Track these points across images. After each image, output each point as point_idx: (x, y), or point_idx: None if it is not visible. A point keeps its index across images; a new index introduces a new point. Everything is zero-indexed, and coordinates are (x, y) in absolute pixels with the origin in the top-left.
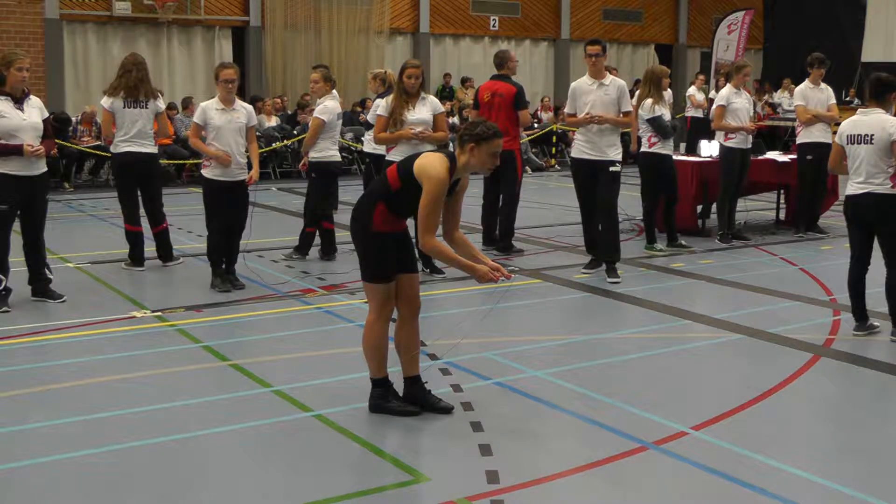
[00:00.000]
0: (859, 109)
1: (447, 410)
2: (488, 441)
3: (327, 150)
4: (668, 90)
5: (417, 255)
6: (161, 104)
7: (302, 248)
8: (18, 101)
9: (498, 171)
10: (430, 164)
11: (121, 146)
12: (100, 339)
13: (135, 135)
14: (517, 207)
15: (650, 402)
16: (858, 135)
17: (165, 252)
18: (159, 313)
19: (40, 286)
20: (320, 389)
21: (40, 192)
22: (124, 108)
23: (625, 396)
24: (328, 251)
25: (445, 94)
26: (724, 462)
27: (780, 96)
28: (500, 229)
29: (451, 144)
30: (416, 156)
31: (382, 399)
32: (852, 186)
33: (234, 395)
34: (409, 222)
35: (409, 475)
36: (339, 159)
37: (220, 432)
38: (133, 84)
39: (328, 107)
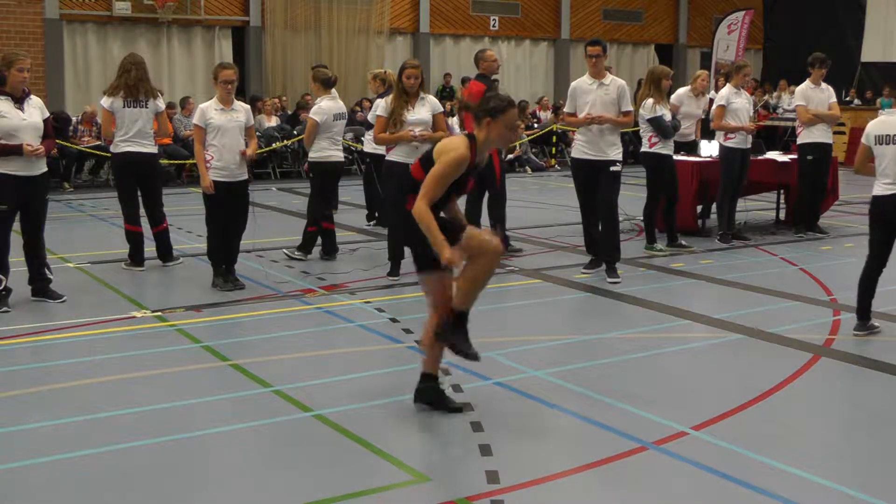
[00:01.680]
0: (885, 109)
1: (459, 409)
2: (488, 441)
3: (325, 151)
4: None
5: None
6: (161, 104)
7: (304, 247)
8: (19, 100)
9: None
10: (451, 142)
11: (121, 146)
12: (100, 340)
13: (135, 134)
14: (505, 205)
15: (650, 402)
16: (886, 135)
17: (165, 252)
18: (159, 313)
19: (40, 286)
20: (320, 389)
21: (40, 193)
22: (124, 107)
23: (625, 396)
24: (329, 251)
25: (446, 94)
26: (725, 462)
27: (776, 97)
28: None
29: None
30: (434, 148)
31: (434, 392)
32: (880, 187)
33: (234, 395)
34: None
35: (409, 475)
36: (340, 159)
37: (220, 432)
38: (133, 83)
39: (322, 107)
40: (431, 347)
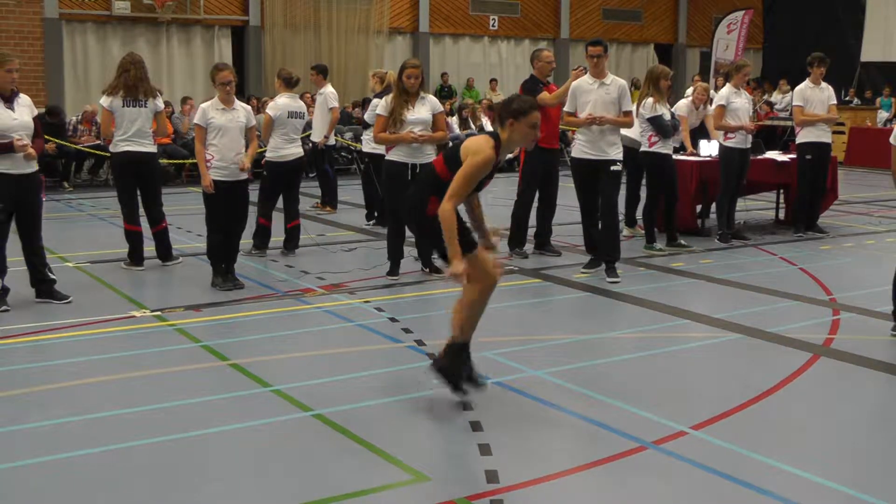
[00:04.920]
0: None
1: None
2: (487, 441)
3: (279, 150)
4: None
5: (416, 255)
6: (160, 103)
7: (289, 243)
8: (8, 100)
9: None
10: (477, 143)
11: (120, 145)
12: (99, 339)
13: (134, 134)
14: (523, 207)
15: (649, 402)
16: None
17: (165, 252)
18: (158, 313)
19: (45, 288)
20: (319, 389)
21: (34, 190)
22: (123, 107)
23: (624, 396)
24: (259, 246)
25: (444, 93)
26: (724, 462)
27: (776, 96)
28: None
29: (450, 144)
30: (460, 145)
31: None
32: None
33: (233, 394)
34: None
35: (408, 474)
36: (295, 157)
37: (220, 432)
38: (132, 83)
39: (278, 103)
40: (468, 317)
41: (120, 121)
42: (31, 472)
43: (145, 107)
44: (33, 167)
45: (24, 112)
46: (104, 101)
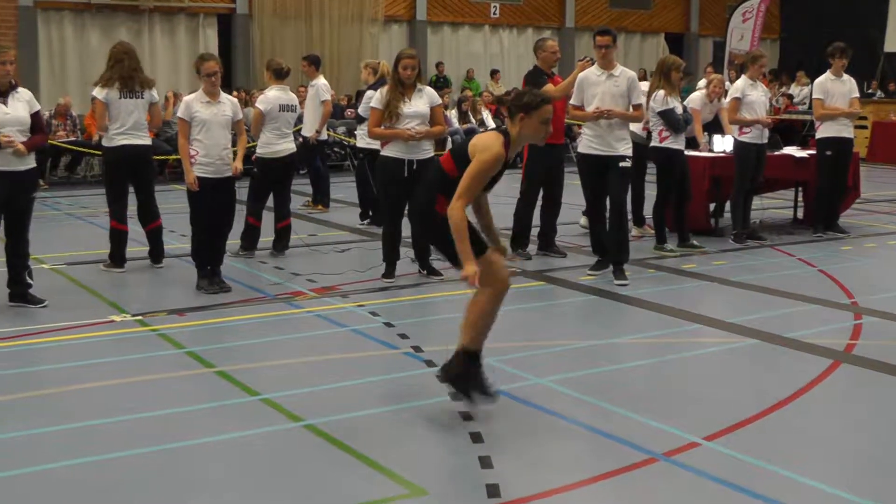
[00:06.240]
0: None
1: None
2: (488, 453)
3: (270, 146)
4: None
5: (413, 257)
6: (156, 94)
7: (279, 244)
8: (3, 94)
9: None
10: (486, 140)
11: (116, 139)
12: (77, 345)
13: (131, 126)
14: (526, 206)
15: (660, 411)
16: None
17: (159, 252)
18: (140, 317)
19: (19, 290)
20: (311, 398)
21: (25, 189)
22: (120, 98)
23: (633, 405)
24: (247, 248)
25: (440, 84)
26: (739, 474)
27: (794, 89)
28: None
29: (449, 140)
30: (468, 141)
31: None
32: None
33: (220, 403)
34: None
35: (405, 489)
36: (287, 153)
37: (205, 443)
38: (128, 74)
39: (268, 97)
40: (474, 325)
41: (116, 113)
42: (7, 485)
43: (142, 98)
44: (27, 164)
45: (19, 107)
46: (98, 92)
